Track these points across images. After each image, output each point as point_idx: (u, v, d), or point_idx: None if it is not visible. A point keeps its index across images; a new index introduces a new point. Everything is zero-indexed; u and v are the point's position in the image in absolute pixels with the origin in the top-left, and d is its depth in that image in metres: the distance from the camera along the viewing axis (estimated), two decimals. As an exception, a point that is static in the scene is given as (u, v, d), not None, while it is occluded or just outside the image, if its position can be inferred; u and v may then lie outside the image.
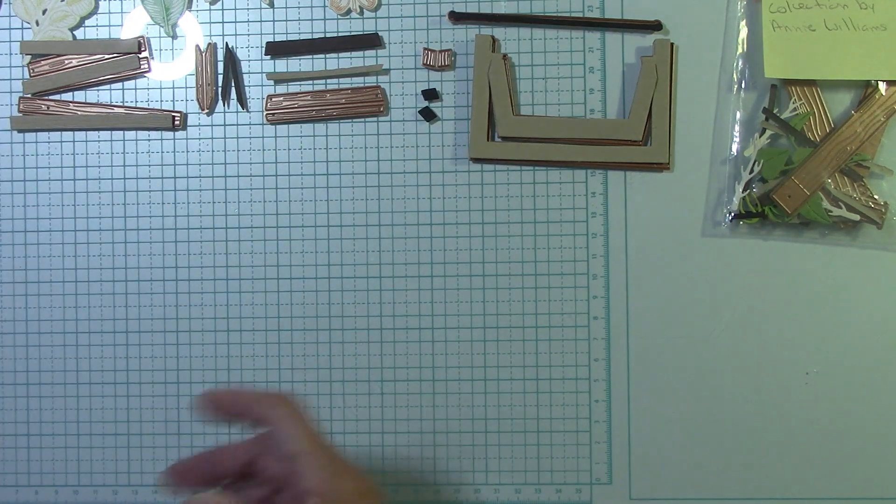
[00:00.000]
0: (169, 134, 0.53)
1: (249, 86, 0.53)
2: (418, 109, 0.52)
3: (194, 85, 0.53)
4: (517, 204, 0.52)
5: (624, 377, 0.51)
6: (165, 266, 0.53)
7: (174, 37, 0.53)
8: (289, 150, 0.53)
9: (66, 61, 0.53)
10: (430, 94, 0.52)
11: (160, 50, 0.53)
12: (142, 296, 0.53)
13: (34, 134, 0.53)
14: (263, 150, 0.53)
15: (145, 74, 0.53)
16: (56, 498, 0.54)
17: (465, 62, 0.52)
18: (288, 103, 0.52)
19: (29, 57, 0.53)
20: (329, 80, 0.53)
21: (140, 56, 0.53)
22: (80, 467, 0.53)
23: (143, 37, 0.53)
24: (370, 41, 0.52)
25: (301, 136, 0.53)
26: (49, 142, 0.53)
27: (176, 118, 0.52)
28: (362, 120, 0.52)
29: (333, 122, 0.52)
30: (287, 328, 0.53)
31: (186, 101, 0.53)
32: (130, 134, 0.53)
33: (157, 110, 0.53)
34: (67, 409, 0.53)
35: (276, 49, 0.52)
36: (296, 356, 0.53)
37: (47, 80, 0.53)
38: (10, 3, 0.53)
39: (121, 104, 0.53)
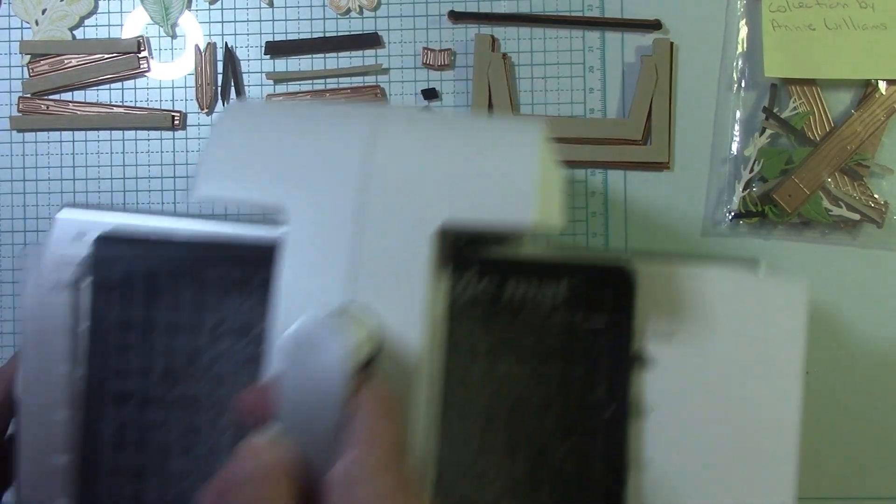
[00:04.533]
0: (169, 133, 0.53)
1: (249, 85, 0.53)
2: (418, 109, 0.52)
3: (194, 85, 0.53)
4: (517, 203, 0.52)
5: (624, 377, 0.51)
6: (165, 266, 0.53)
7: (174, 36, 0.53)
8: (288, 149, 0.53)
9: (66, 61, 0.53)
10: (430, 94, 0.52)
11: (160, 50, 0.53)
12: (141, 296, 0.53)
13: (34, 134, 0.53)
14: (263, 149, 0.53)
15: (145, 74, 0.53)
16: (56, 498, 0.53)
17: (464, 62, 0.52)
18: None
19: (28, 57, 0.53)
20: (329, 80, 0.53)
21: (140, 56, 0.53)
22: (80, 467, 0.53)
23: (142, 37, 0.53)
24: (370, 41, 0.52)
25: (301, 136, 0.52)
26: (49, 142, 0.53)
27: (176, 118, 0.52)
28: (362, 119, 0.52)
29: (333, 121, 0.52)
30: (287, 328, 0.53)
31: (186, 100, 0.53)
32: (130, 134, 0.53)
33: (157, 110, 0.53)
34: (67, 409, 0.53)
35: (275, 49, 0.52)
36: (296, 356, 0.53)
37: (47, 79, 0.53)
38: (9, 3, 0.53)
39: (120, 104, 0.53)
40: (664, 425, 0.39)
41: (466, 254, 0.38)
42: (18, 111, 0.53)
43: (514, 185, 0.31)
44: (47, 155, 0.53)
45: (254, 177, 0.32)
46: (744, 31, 0.51)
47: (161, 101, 0.53)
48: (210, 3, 0.53)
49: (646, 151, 0.51)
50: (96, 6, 0.53)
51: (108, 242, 0.40)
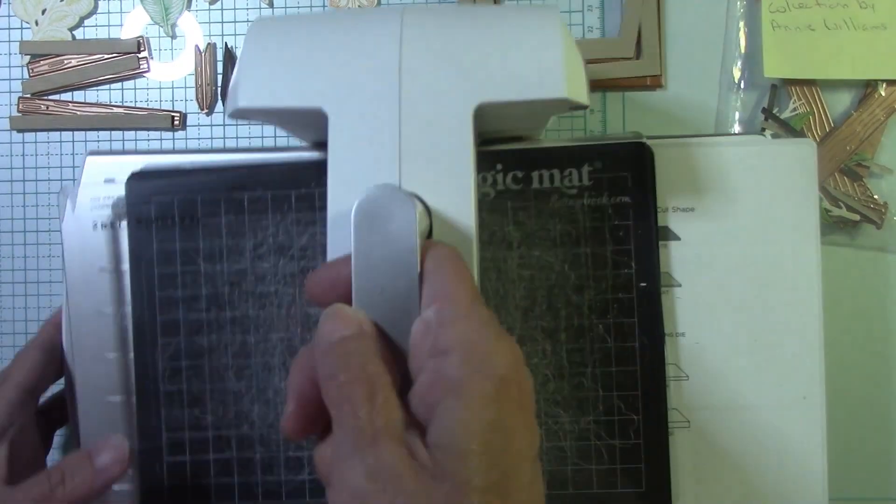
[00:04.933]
0: (168, 134, 0.53)
1: (249, 86, 0.53)
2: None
3: (194, 85, 0.53)
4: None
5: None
6: (165, 266, 0.53)
7: (174, 37, 0.53)
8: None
9: (66, 61, 0.53)
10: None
11: (160, 50, 0.53)
12: (142, 296, 0.53)
13: (34, 134, 0.53)
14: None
15: (145, 74, 0.53)
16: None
17: (464, 62, 0.52)
18: (287, 103, 0.52)
19: (28, 57, 0.53)
20: (329, 80, 0.52)
21: (139, 56, 0.53)
22: (80, 467, 0.53)
23: (142, 37, 0.53)
24: (370, 41, 0.52)
25: (301, 136, 0.52)
26: (49, 142, 0.53)
27: (175, 118, 0.52)
28: (362, 120, 0.52)
29: (333, 121, 0.52)
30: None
31: (186, 101, 0.53)
32: (130, 134, 0.53)
33: (157, 110, 0.53)
34: (67, 409, 0.53)
35: (275, 49, 0.52)
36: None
37: (47, 79, 0.53)
38: (9, 3, 0.53)
39: (120, 104, 0.53)
40: (693, 296, 0.41)
41: (487, 153, 0.40)
42: (18, 111, 0.53)
43: (542, 63, 0.32)
44: (47, 155, 0.53)
45: (290, 84, 0.33)
46: (744, 32, 0.50)
47: (161, 101, 0.53)
48: (210, 3, 0.53)
49: (637, 66, 0.50)
50: (96, 6, 0.53)
51: (141, 179, 0.42)
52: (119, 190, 0.42)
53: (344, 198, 0.31)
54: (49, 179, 0.53)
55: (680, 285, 0.41)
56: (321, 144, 0.34)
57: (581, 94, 0.33)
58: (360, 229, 0.29)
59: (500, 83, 0.32)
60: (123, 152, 0.44)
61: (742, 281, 0.41)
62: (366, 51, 0.33)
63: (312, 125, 0.34)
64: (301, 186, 0.41)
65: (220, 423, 0.41)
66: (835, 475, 0.51)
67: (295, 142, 0.47)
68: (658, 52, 0.50)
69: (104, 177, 0.42)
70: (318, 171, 0.40)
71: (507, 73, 0.32)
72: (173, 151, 0.49)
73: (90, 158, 0.43)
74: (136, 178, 0.42)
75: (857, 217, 0.49)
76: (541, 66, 0.32)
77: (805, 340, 0.42)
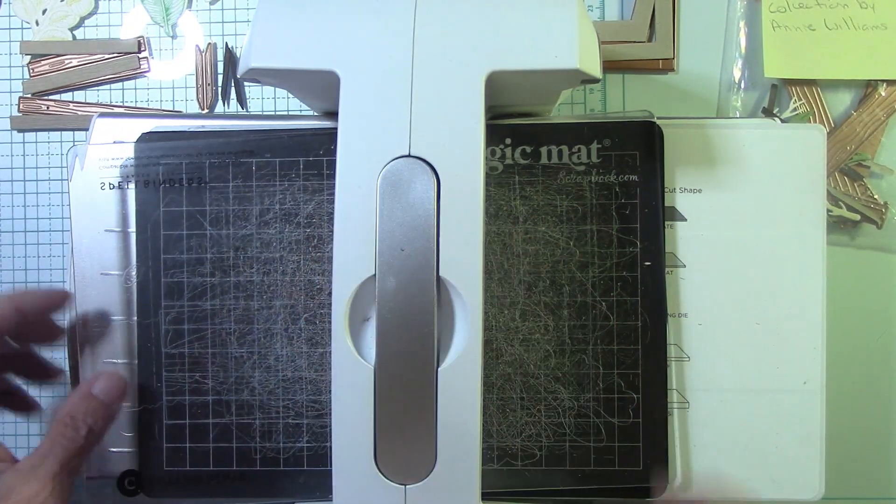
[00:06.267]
0: (169, 134, 0.53)
1: (249, 86, 0.53)
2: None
3: (194, 85, 0.53)
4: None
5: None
6: (165, 266, 0.53)
7: (174, 36, 0.53)
8: (289, 149, 0.53)
9: (66, 61, 0.53)
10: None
11: (160, 50, 0.53)
12: (142, 295, 0.53)
13: (34, 134, 0.53)
14: (263, 149, 0.53)
15: (145, 74, 0.53)
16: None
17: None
18: (288, 103, 0.52)
19: (29, 57, 0.53)
20: (329, 80, 0.52)
21: (140, 56, 0.53)
22: (81, 467, 0.53)
23: (142, 37, 0.53)
24: (370, 41, 0.52)
25: (301, 136, 0.53)
26: (49, 142, 0.53)
27: (176, 118, 0.52)
28: (362, 120, 0.52)
29: (333, 121, 0.52)
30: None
31: (186, 101, 0.53)
32: (130, 134, 0.53)
33: (157, 110, 0.53)
34: (68, 409, 0.53)
35: (275, 49, 0.52)
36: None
37: (47, 79, 0.53)
38: (9, 3, 0.53)
39: (120, 104, 0.53)
40: (698, 278, 0.42)
41: (496, 127, 0.41)
42: (19, 111, 0.53)
43: (556, 33, 0.33)
44: (47, 155, 0.53)
45: (304, 45, 0.33)
46: (744, 32, 0.51)
47: (161, 101, 0.53)
48: (210, 3, 0.53)
49: (650, 48, 0.50)
50: (96, 6, 0.53)
51: (150, 141, 0.42)
52: (128, 151, 0.42)
53: (354, 161, 0.32)
54: (49, 179, 0.53)
55: (684, 266, 0.41)
56: (331, 114, 0.35)
57: (594, 66, 0.33)
58: (384, 196, 0.31)
59: (513, 52, 0.33)
60: (133, 114, 0.44)
61: (747, 264, 0.42)
62: (381, 15, 0.33)
63: (324, 90, 0.34)
64: (310, 154, 0.41)
65: (221, 388, 0.42)
66: (833, 474, 0.51)
67: (304, 109, 0.47)
68: (672, 36, 0.50)
69: (113, 137, 0.43)
70: (327, 138, 0.40)
71: (521, 42, 0.33)
72: (183, 116, 0.49)
73: (99, 119, 0.43)
74: (145, 140, 0.42)
75: (858, 217, 0.49)
76: (554, 37, 0.32)
77: (807, 325, 0.42)
